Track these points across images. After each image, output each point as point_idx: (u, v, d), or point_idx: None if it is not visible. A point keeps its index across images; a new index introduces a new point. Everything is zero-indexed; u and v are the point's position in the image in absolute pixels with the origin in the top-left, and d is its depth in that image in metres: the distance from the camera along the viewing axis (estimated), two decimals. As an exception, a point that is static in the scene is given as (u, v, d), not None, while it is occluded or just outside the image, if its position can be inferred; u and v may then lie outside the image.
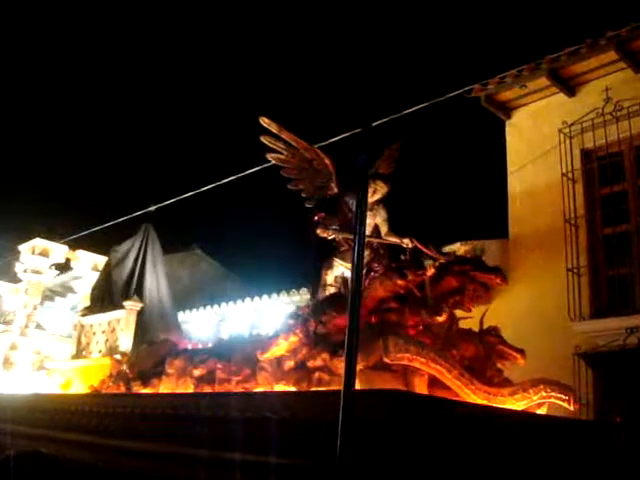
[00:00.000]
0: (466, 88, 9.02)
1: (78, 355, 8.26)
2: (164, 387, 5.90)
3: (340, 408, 2.93)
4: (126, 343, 7.44)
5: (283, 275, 16.25)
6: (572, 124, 8.60)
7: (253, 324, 12.95)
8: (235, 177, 10.68)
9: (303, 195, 6.53)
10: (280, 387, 4.74)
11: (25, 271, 10.48)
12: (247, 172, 10.48)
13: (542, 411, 4.97)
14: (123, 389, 6.33)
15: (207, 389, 5.36)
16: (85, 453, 6.19)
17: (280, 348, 4.90)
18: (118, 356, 7.17)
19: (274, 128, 6.19)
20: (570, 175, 8.57)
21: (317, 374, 4.57)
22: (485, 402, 4.61)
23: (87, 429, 6.34)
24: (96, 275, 10.59)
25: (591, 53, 8.34)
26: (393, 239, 6.44)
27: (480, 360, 5.12)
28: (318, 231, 6.14)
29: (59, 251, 10.58)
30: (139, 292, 8.10)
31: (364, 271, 6.49)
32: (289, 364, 4.87)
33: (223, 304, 15.23)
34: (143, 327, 7.59)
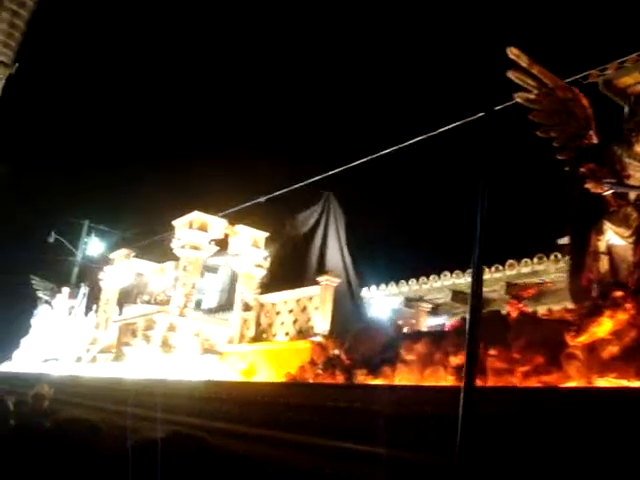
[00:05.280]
0: (583, 74, 8.11)
1: (257, 337, 7.25)
2: (402, 377, 4.77)
3: (460, 405, 2.74)
4: (322, 324, 6.34)
5: (392, 266, 15.17)
6: (697, 110, 7.20)
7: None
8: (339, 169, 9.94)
9: (555, 144, 5.33)
10: (607, 382, 3.46)
11: (183, 247, 9.62)
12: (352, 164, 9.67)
13: None
14: (341, 378, 5.21)
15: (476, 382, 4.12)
16: (279, 452, 5.21)
17: (602, 329, 3.61)
18: (318, 338, 6.08)
19: (524, 61, 5.12)
20: (696, 165, 7.21)
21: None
22: None
23: (285, 424, 5.30)
24: (256, 251, 9.67)
25: None
26: None
27: None
28: (589, 185, 4.89)
29: (218, 226, 9.66)
30: (323, 266, 7.03)
31: (633, 238, 5.24)
32: (611, 350, 3.59)
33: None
34: (335, 305, 6.49)
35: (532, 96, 5.23)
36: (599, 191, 4.91)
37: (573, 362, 3.71)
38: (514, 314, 5.51)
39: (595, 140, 5.29)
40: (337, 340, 5.67)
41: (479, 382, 4.26)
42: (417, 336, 5.00)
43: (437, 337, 4.78)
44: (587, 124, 5.29)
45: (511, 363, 4.06)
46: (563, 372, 3.76)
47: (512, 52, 5.06)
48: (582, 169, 4.98)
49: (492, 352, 4.19)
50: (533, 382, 3.86)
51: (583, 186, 4.95)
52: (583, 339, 3.68)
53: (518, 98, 5.25)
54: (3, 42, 13.90)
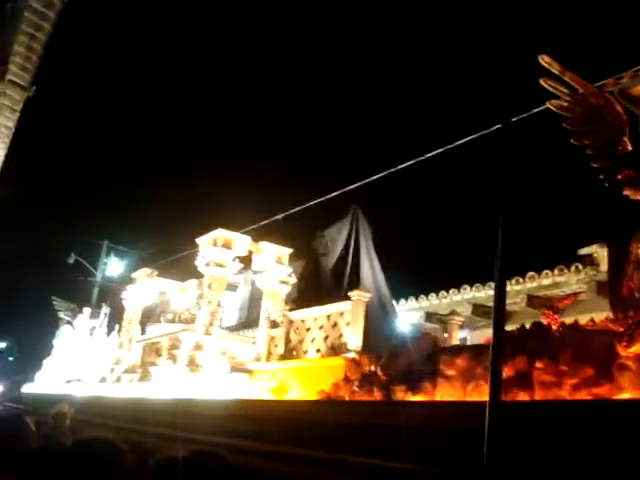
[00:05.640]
0: (599, 83, 8.08)
1: (287, 355, 7.18)
2: (443, 393, 4.68)
3: (486, 421, 2.71)
4: (354, 340, 6.27)
5: (410, 280, 15.17)
6: None
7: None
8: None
9: (588, 152, 5.26)
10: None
11: (207, 265, 9.58)
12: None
13: None
14: (379, 395, 5.13)
15: (522, 396, 4.04)
16: (316, 471, 5.13)
17: (656, 339, 3.53)
18: (352, 355, 6.00)
19: (556, 68, 5.09)
20: None
21: None
22: None
23: (323, 443, 5.21)
24: (280, 268, 9.65)
25: None
26: None
27: None
28: (627, 192, 4.80)
29: (242, 242, 9.63)
30: (356, 281, 6.96)
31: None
32: (665, 361, 3.51)
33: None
34: (367, 321, 6.41)
35: (564, 103, 5.18)
36: (638, 198, 4.83)
37: (626, 373, 3.62)
38: (555, 325, 5.43)
39: (629, 147, 5.22)
40: (372, 356, 5.59)
41: (526, 396, 4.18)
42: (456, 350, 4.91)
43: (477, 351, 4.69)
44: (621, 131, 5.21)
45: (559, 376, 3.97)
46: (615, 384, 3.66)
47: (544, 59, 5.01)
48: (619, 176, 4.91)
49: (538, 365, 4.11)
50: (583, 395, 3.77)
51: (621, 194, 4.88)
52: (635, 349, 3.60)
53: (551, 105, 5.20)
54: (21, 65, 13.99)
